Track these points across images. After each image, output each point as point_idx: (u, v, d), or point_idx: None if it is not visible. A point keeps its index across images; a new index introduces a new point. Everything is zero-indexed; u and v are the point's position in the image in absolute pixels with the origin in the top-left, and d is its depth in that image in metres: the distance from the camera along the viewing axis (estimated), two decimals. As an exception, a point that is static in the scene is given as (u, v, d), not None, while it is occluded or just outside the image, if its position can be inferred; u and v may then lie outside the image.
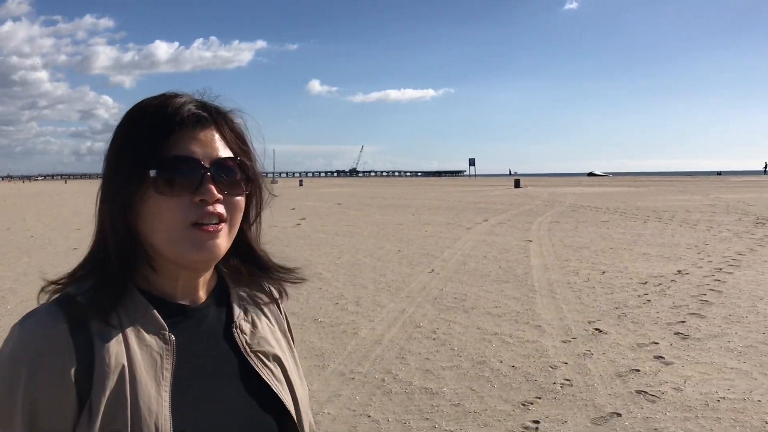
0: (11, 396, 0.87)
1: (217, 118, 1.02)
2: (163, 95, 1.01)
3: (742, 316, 6.81)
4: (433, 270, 10.06)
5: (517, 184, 49.83)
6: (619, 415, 4.23)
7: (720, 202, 25.40)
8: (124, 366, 0.91)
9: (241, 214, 1.03)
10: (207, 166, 0.96)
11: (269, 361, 1.08)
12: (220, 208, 0.97)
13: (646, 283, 8.77)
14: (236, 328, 1.08)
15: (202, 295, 1.07)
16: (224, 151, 1.00)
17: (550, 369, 5.19)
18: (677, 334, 6.14)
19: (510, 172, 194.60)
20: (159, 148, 0.95)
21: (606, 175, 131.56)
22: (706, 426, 4.05)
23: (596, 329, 6.35)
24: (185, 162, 0.95)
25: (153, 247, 0.98)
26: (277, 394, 1.05)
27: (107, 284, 0.96)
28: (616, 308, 7.26)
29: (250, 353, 1.06)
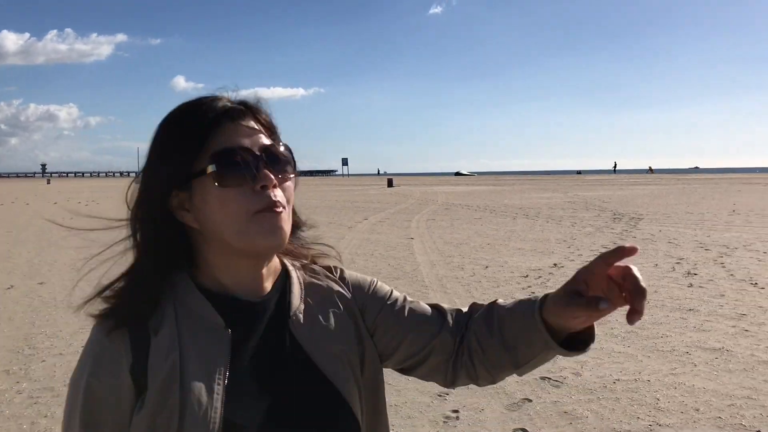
0: (78, 383, 0.98)
1: (251, 109, 1.05)
2: (193, 99, 1.04)
3: (618, 304, 7.37)
4: (324, 268, 10.04)
5: (390, 184, 50.73)
6: (530, 400, 4.47)
7: (579, 200, 27.27)
8: (175, 361, 0.96)
9: (293, 197, 1.05)
10: (258, 153, 0.99)
11: (329, 352, 1.07)
12: (279, 194, 0.99)
13: (527, 276, 9.27)
14: (294, 322, 1.07)
15: (266, 287, 1.08)
16: (267, 139, 1.03)
17: (457, 361, 5.36)
18: (565, 322, 6.55)
19: (379, 171, 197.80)
20: (210, 144, 0.98)
21: (472, 174, 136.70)
22: (608, 406, 4.37)
23: (491, 321, 6.63)
24: (240, 152, 0.97)
25: (217, 241, 1.00)
26: (336, 387, 1.04)
27: (159, 285, 1.01)
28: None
29: (308, 347, 1.06)
